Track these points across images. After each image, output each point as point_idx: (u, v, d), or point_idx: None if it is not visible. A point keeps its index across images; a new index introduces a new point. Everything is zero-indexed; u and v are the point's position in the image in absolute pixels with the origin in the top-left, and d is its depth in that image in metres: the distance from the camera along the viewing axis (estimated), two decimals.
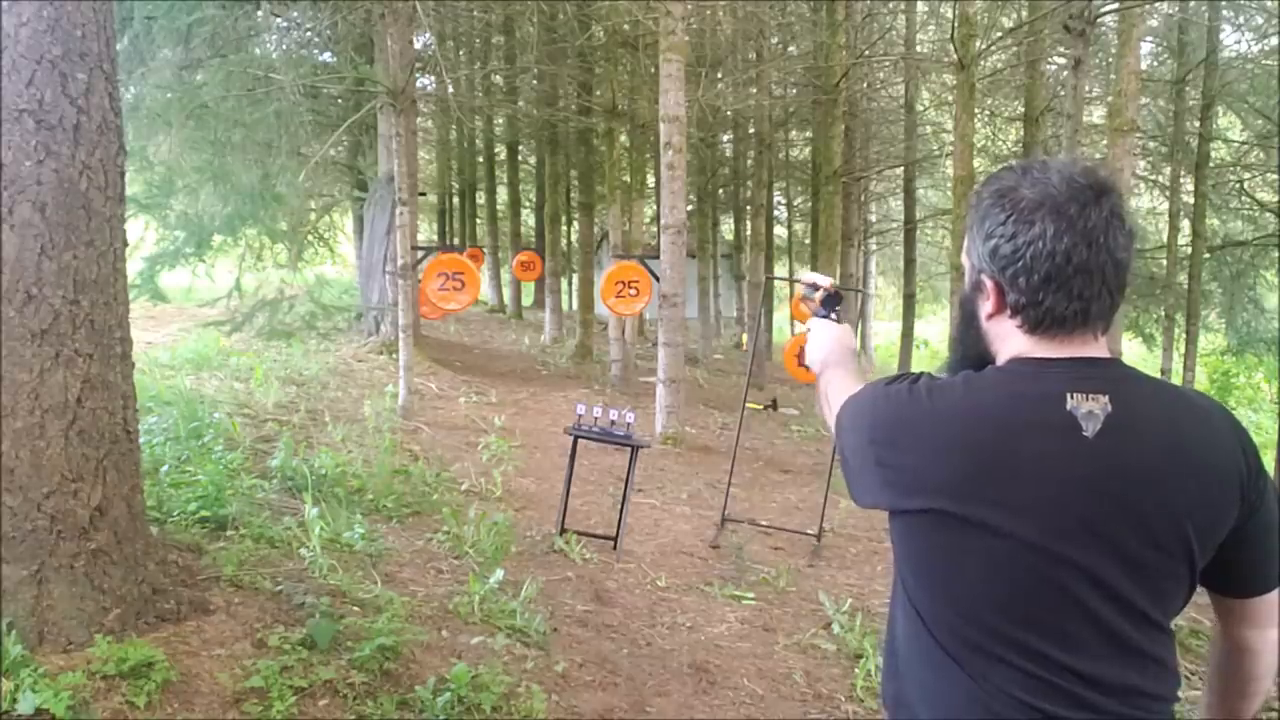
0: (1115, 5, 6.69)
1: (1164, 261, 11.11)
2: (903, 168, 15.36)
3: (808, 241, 16.70)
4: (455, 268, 7.53)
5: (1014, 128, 13.28)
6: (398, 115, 7.76)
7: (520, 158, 18.76)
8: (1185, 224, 11.35)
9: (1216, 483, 1.07)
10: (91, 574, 2.56)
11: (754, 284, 14.86)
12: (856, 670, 3.68)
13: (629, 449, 5.15)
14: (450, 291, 7.51)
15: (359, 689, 2.70)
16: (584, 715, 3.03)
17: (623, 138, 11.93)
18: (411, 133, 9.45)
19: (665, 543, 5.29)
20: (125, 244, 2.81)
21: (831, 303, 1.63)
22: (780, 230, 21.03)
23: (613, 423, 4.99)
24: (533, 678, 3.11)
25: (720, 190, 17.59)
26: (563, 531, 4.90)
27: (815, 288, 1.66)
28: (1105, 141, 8.23)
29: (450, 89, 11.48)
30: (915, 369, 1.48)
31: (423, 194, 19.16)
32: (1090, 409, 1.05)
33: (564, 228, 18.92)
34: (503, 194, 20.34)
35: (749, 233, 17.10)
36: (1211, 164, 10.92)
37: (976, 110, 9.42)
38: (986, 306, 1.15)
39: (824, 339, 1.56)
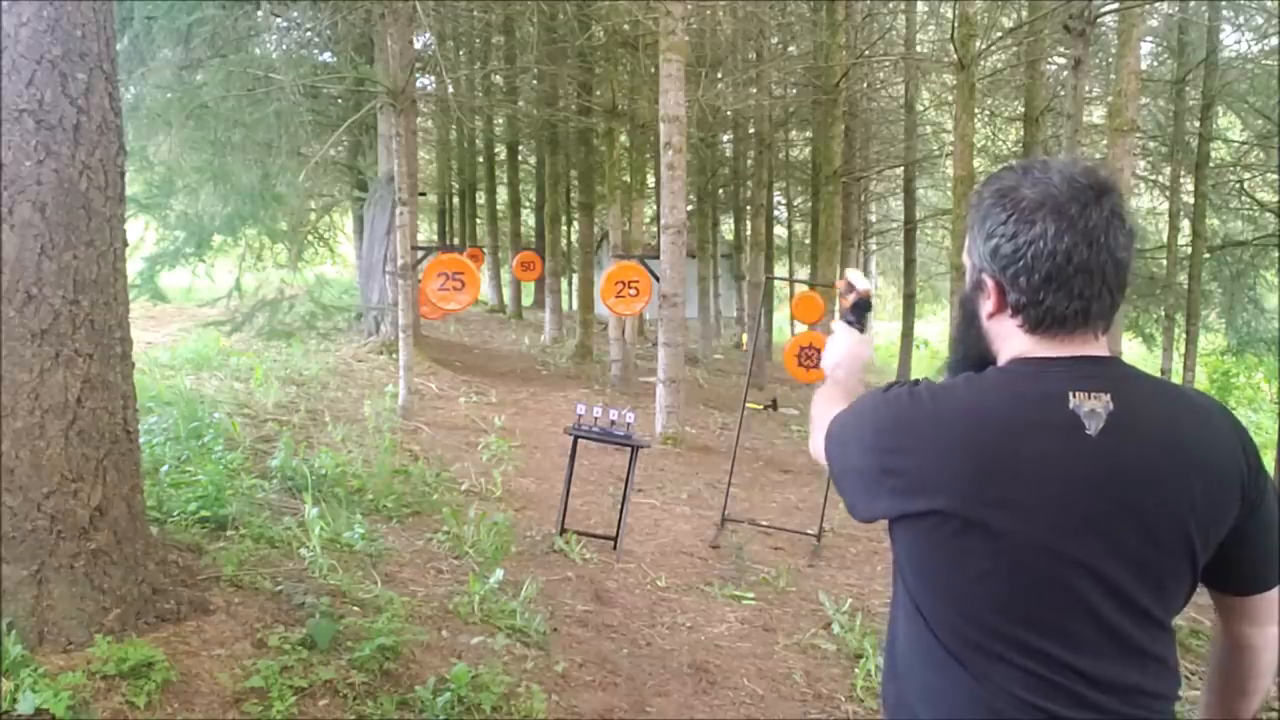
0: (1115, 5, 6.69)
1: (1164, 261, 11.12)
2: (903, 168, 15.37)
3: (808, 241, 16.71)
4: (455, 268, 7.52)
5: (1014, 128, 13.28)
6: (398, 115, 7.76)
7: (520, 158, 18.76)
8: (1185, 224, 11.35)
9: (1218, 481, 1.07)
10: (91, 574, 2.56)
11: (754, 284, 14.86)
12: (856, 670, 3.68)
13: (629, 449, 5.15)
14: (450, 291, 7.50)
15: (359, 689, 2.70)
16: (584, 715, 3.03)
17: (623, 138, 11.93)
18: (411, 133, 9.45)
19: (665, 543, 5.29)
20: (125, 244, 2.81)
21: (860, 309, 1.59)
22: (780, 230, 21.03)
23: (613, 423, 4.99)
24: (533, 678, 3.11)
25: (720, 190, 17.59)
26: (563, 531, 4.90)
27: (852, 288, 1.62)
28: (1105, 141, 8.23)
29: (450, 89, 11.48)
30: (915, 369, 1.48)
31: (423, 194, 19.16)
32: (1093, 407, 1.05)
33: (564, 228, 18.92)
34: (503, 194, 20.34)
35: (749, 233, 17.11)
36: (1211, 164, 10.92)
37: (976, 110, 9.42)
38: (987, 306, 1.15)
39: (839, 347, 1.54)
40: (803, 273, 19.10)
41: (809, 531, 5.63)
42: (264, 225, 9.41)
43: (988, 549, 1.05)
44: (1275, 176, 10.80)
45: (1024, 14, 10.23)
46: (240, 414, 6.07)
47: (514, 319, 17.78)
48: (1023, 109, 11.55)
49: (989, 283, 1.14)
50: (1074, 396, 1.06)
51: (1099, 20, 7.22)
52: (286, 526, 3.91)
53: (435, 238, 23.17)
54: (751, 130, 14.52)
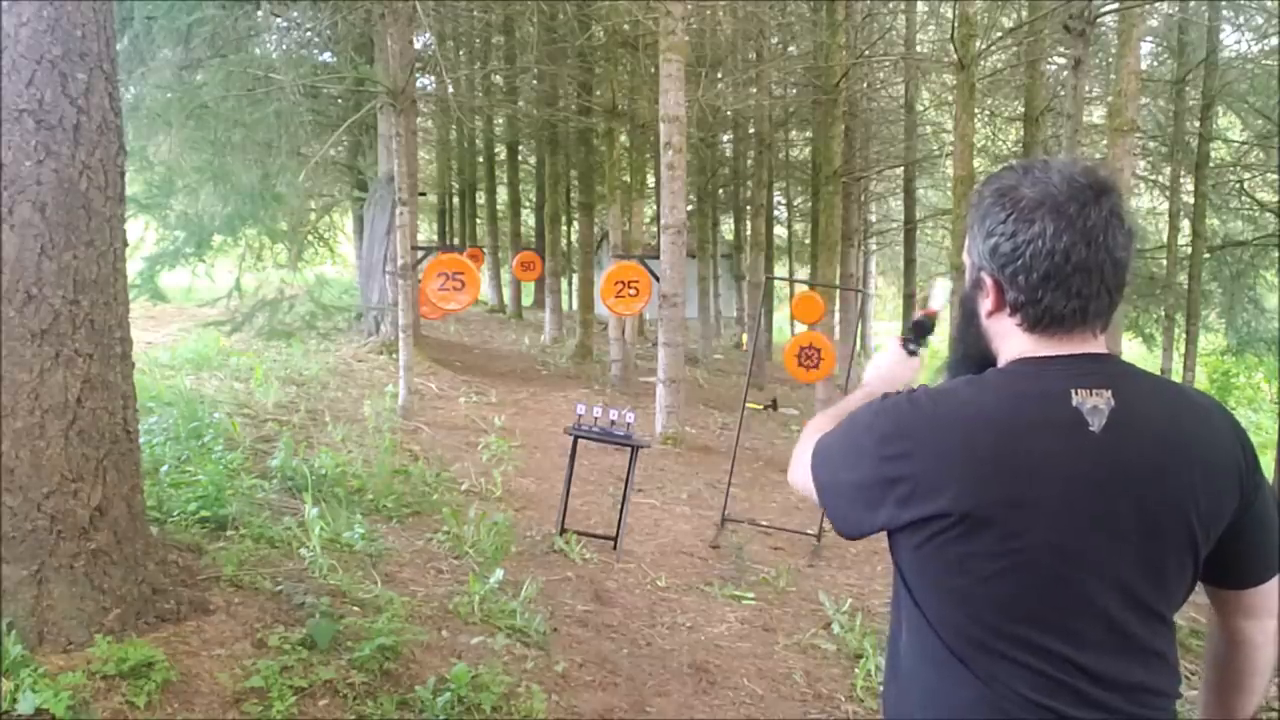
0: (1115, 5, 6.69)
1: (1164, 261, 11.12)
2: (903, 168, 15.37)
3: (808, 241, 16.70)
4: (455, 268, 7.52)
5: (1014, 128, 13.28)
6: (398, 115, 7.76)
7: (520, 158, 18.76)
8: (1185, 224, 11.35)
9: (1217, 476, 1.08)
10: (91, 574, 2.56)
11: (754, 284, 14.86)
12: (856, 670, 3.68)
13: (629, 449, 5.15)
14: (450, 291, 7.50)
15: (359, 689, 2.70)
16: (584, 715, 3.03)
17: (623, 138, 11.94)
18: (411, 133, 9.45)
19: (665, 543, 5.29)
20: (125, 244, 2.81)
21: (917, 330, 1.50)
22: (780, 230, 21.03)
23: (613, 423, 4.99)
24: (533, 678, 3.11)
25: (720, 190, 17.59)
26: (563, 531, 4.90)
27: (926, 301, 1.54)
28: (1105, 141, 8.23)
29: (450, 89, 11.48)
30: (877, 352, 1.47)
31: (423, 194, 19.16)
32: (1095, 404, 1.06)
33: (564, 228, 18.93)
34: (503, 194, 20.34)
35: (749, 233, 17.10)
36: (1211, 164, 10.93)
37: (976, 110, 9.41)
38: (986, 304, 1.16)
39: (879, 365, 1.49)
40: (803, 273, 19.11)
41: (809, 531, 5.63)
42: (264, 225, 9.42)
43: (994, 549, 1.05)
44: (1275, 176, 10.80)
45: (1024, 14, 10.22)
46: (240, 414, 6.07)
47: (514, 319, 17.78)
48: (1023, 109, 11.55)
49: (988, 281, 1.14)
50: (1076, 394, 1.06)
51: (1099, 20, 7.22)
52: (286, 526, 3.91)
53: (435, 238, 23.18)
54: (751, 130, 14.52)
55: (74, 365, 2.53)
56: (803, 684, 3.58)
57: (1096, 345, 1.11)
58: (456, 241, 20.19)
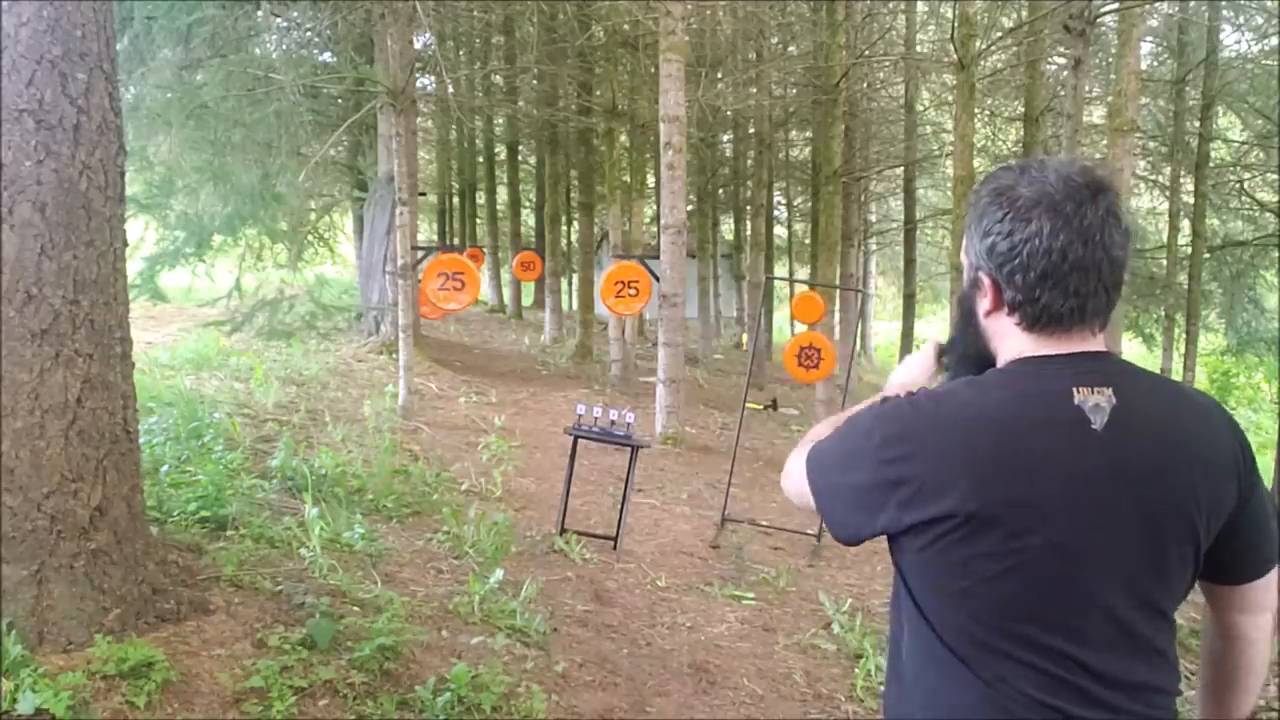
0: (1115, 5, 6.68)
1: (1164, 261, 11.12)
2: (903, 168, 15.36)
3: (808, 241, 16.70)
4: (455, 268, 7.52)
5: (1014, 128, 13.28)
6: (398, 115, 7.76)
7: (520, 158, 18.76)
8: (1185, 224, 11.36)
9: (1217, 474, 1.09)
10: (91, 574, 2.56)
11: (754, 284, 14.86)
12: (856, 670, 3.68)
13: (629, 449, 5.15)
14: (450, 291, 7.50)
15: (359, 689, 2.70)
16: (584, 715, 3.04)
17: (623, 138, 11.93)
18: (411, 133, 9.45)
19: (665, 543, 5.29)
20: (125, 244, 2.81)
21: (952, 346, 1.42)
22: (780, 230, 21.03)
23: (613, 423, 4.99)
24: (533, 678, 3.11)
25: (720, 190, 17.59)
26: (563, 531, 4.90)
27: None
28: (1105, 141, 8.23)
29: (450, 89, 11.48)
30: (900, 364, 1.46)
31: (423, 194, 19.16)
32: (1097, 402, 1.06)
33: (564, 228, 18.92)
34: (503, 194, 20.34)
35: (749, 233, 17.10)
36: (1211, 164, 10.93)
37: (976, 110, 9.41)
38: (984, 304, 1.16)
39: (910, 366, 1.46)
40: (803, 273, 19.10)
41: (809, 531, 5.63)
42: (264, 225, 9.42)
43: (998, 549, 1.05)
44: (1275, 176, 10.80)
45: (1024, 14, 10.22)
46: (240, 414, 6.07)
47: (514, 319, 17.78)
48: (1023, 109, 11.54)
49: (985, 281, 1.14)
50: (1078, 392, 1.06)
51: (1099, 20, 7.22)
52: (286, 526, 3.91)
53: (435, 238, 23.18)
54: (751, 130, 14.52)
55: (74, 365, 2.53)
56: (803, 684, 3.58)
57: (1095, 343, 1.12)
58: (456, 241, 20.19)
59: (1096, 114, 12.16)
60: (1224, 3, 10.37)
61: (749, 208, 16.69)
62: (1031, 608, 1.06)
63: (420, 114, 14.09)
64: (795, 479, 1.24)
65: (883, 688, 1.27)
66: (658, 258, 8.31)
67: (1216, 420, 1.12)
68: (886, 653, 1.26)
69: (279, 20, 9.46)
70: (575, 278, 15.59)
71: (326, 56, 10.83)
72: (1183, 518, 1.07)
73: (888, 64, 13.23)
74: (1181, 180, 11.38)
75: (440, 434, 7.07)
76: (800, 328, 11.88)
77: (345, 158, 12.29)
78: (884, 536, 1.14)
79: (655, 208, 15.71)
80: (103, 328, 2.63)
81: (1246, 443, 1.14)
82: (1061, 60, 10.92)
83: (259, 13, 8.69)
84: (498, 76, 15.74)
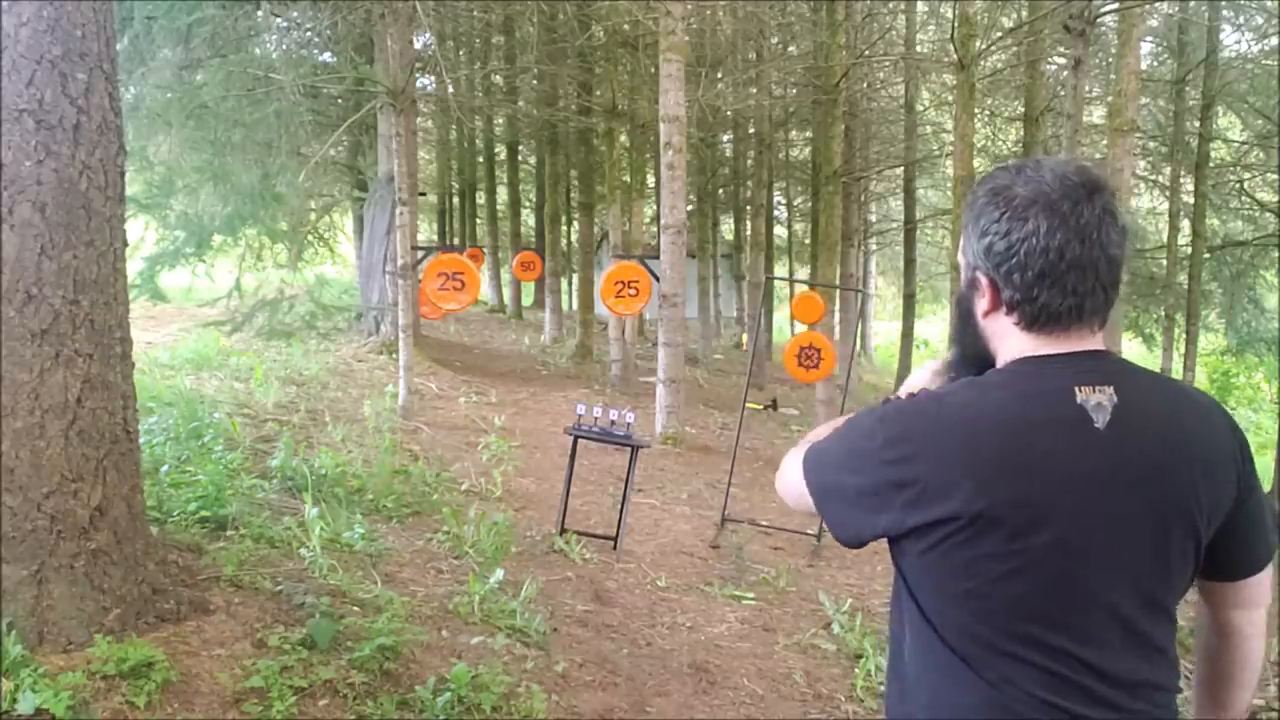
0: (1115, 5, 6.69)
1: (1164, 261, 11.12)
2: (903, 168, 15.35)
3: (808, 241, 16.70)
4: (455, 268, 7.52)
5: (1014, 128, 13.28)
6: (398, 115, 7.76)
7: (520, 158, 18.76)
8: (1185, 224, 11.35)
9: (1216, 472, 1.10)
10: (91, 574, 2.57)
11: (754, 284, 14.86)
12: (856, 670, 3.68)
13: (629, 449, 5.15)
14: (450, 291, 7.50)
15: (359, 689, 2.70)
16: (584, 715, 3.04)
17: (623, 138, 11.93)
18: (411, 133, 9.45)
19: (665, 543, 5.29)
20: (125, 244, 2.81)
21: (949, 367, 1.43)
22: (780, 230, 21.03)
23: (613, 423, 4.99)
24: (533, 678, 3.11)
25: (720, 190, 17.58)
26: (563, 531, 4.90)
27: None
28: (1105, 141, 8.23)
29: (450, 89, 11.49)
30: (915, 369, 1.45)
31: (423, 194, 19.16)
32: (1099, 400, 1.06)
33: (564, 228, 18.92)
34: (503, 194, 20.34)
35: (749, 233, 17.10)
36: (1211, 164, 10.93)
37: (976, 110, 9.41)
38: (982, 304, 1.16)
39: (927, 369, 1.44)
40: (803, 273, 19.10)
41: (809, 531, 5.63)
42: (264, 225, 9.42)
43: (1002, 550, 1.05)
44: (1275, 176, 10.80)
45: (1024, 14, 10.23)
46: (240, 414, 6.07)
47: (514, 319, 17.78)
48: (1023, 109, 11.54)
49: (983, 280, 1.14)
50: (1080, 391, 1.06)
51: (1099, 20, 7.22)
52: (286, 526, 3.91)
53: (435, 238, 23.17)
54: (751, 130, 14.52)
55: (74, 365, 2.53)
56: (803, 684, 3.58)
57: (1094, 342, 1.12)
58: (456, 241, 20.19)
59: (1096, 114, 12.16)
60: (1224, 3, 10.37)
61: (749, 208, 16.69)
62: (1036, 607, 1.06)
63: (420, 114, 14.09)
64: (791, 480, 1.24)
65: (883, 688, 1.27)
66: (658, 258, 8.31)
67: (1216, 420, 1.13)
68: (887, 653, 1.26)
69: (279, 20, 9.47)
70: (575, 278, 15.59)
71: (326, 56, 10.83)
72: (1184, 515, 1.07)
73: (888, 64, 13.23)
74: (1181, 180, 11.38)
75: (440, 434, 7.07)
76: (800, 328, 11.88)
77: (345, 158, 12.29)
78: (884, 538, 1.14)
79: (655, 208, 15.71)
80: (103, 328, 2.63)
81: (1245, 442, 1.14)
82: (1061, 60, 10.92)
83: (259, 13, 8.69)
84: (498, 76, 15.74)
